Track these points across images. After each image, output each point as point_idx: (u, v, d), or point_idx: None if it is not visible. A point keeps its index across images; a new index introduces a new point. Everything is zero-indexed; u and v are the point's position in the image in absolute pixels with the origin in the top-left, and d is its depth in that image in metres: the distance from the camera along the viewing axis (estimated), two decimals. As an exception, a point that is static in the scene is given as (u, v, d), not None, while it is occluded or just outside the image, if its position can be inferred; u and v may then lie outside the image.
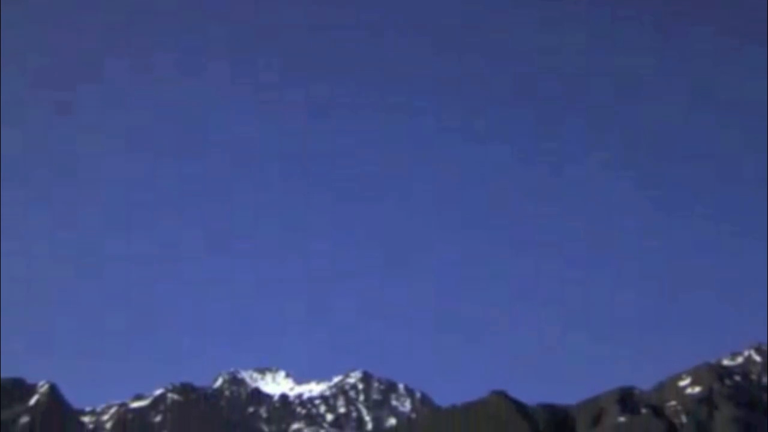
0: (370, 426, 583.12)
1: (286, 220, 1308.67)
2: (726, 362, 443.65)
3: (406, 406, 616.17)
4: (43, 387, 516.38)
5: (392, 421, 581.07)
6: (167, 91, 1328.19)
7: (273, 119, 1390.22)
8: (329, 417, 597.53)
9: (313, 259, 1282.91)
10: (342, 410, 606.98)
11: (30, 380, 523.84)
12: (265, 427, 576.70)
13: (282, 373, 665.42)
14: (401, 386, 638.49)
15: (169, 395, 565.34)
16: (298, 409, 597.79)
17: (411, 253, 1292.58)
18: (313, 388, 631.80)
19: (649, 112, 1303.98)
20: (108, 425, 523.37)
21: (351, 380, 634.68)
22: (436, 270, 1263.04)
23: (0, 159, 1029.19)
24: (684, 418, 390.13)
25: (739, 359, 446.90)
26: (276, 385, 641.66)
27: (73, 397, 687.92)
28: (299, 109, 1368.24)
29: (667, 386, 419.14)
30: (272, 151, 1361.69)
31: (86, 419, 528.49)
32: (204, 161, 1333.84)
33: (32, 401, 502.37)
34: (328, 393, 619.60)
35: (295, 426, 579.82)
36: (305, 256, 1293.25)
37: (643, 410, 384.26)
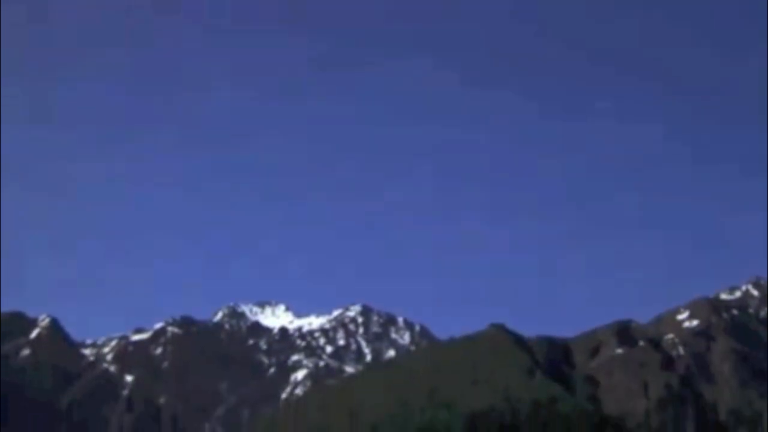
0: (369, 358, 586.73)
1: (287, 161, 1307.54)
2: (724, 296, 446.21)
3: (405, 338, 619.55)
4: (44, 321, 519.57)
5: (391, 353, 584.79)
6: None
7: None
8: (329, 349, 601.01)
9: (314, 194, 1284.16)
10: (341, 342, 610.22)
11: (31, 314, 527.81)
12: (264, 359, 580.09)
13: (282, 307, 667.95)
14: (400, 319, 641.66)
15: (170, 328, 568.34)
16: (298, 341, 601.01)
17: (410, 186, 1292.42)
18: (313, 322, 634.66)
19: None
20: (109, 357, 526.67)
21: (351, 314, 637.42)
22: (434, 203, 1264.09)
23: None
24: (681, 351, 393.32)
25: (737, 293, 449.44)
26: (276, 318, 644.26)
27: (73, 330, 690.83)
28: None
29: (665, 320, 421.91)
30: (272, 89, 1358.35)
31: (87, 352, 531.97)
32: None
33: (33, 334, 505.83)
34: (327, 326, 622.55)
35: (295, 357, 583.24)
36: (305, 193, 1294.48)
37: (641, 343, 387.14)
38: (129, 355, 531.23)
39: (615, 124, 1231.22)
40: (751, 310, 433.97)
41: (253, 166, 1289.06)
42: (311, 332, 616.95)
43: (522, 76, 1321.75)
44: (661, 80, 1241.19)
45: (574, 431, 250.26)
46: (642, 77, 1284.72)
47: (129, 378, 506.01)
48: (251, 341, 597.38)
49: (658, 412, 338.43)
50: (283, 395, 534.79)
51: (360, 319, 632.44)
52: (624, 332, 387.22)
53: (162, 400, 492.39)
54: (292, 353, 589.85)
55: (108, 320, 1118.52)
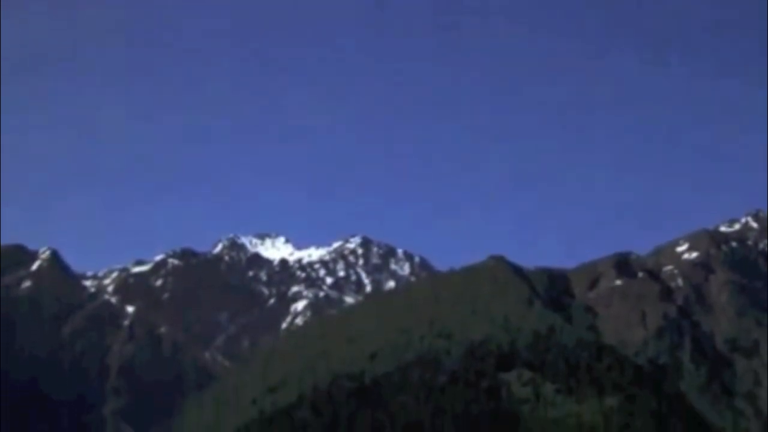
0: (369, 289, 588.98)
1: (288, 92, 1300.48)
2: (723, 228, 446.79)
3: (405, 269, 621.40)
4: (44, 253, 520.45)
5: (391, 284, 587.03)
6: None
7: None
8: (329, 280, 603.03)
9: (314, 127, 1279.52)
10: (341, 274, 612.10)
11: (31, 246, 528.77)
12: (265, 290, 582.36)
13: (281, 239, 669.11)
14: (400, 251, 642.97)
15: (170, 260, 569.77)
16: (298, 272, 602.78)
17: (410, 119, 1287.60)
18: (313, 253, 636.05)
19: None
20: (110, 289, 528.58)
21: (350, 245, 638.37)
22: (434, 135, 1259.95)
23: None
24: (680, 282, 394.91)
25: (737, 226, 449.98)
26: (276, 250, 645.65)
27: (74, 262, 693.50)
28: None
29: (664, 251, 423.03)
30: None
31: (88, 283, 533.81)
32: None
33: (34, 267, 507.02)
34: (327, 258, 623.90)
35: (295, 289, 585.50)
36: (305, 125, 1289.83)
37: (640, 274, 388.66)
38: (130, 286, 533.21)
39: (617, 50, 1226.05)
40: (750, 243, 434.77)
41: (253, 99, 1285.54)
42: (311, 264, 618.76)
43: None
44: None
45: (572, 361, 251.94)
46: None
47: (130, 309, 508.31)
48: (251, 272, 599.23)
49: (656, 341, 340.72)
50: (284, 325, 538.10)
51: (360, 251, 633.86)
52: (623, 264, 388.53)
53: (163, 330, 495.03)
54: (292, 284, 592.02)
55: (108, 253, 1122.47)
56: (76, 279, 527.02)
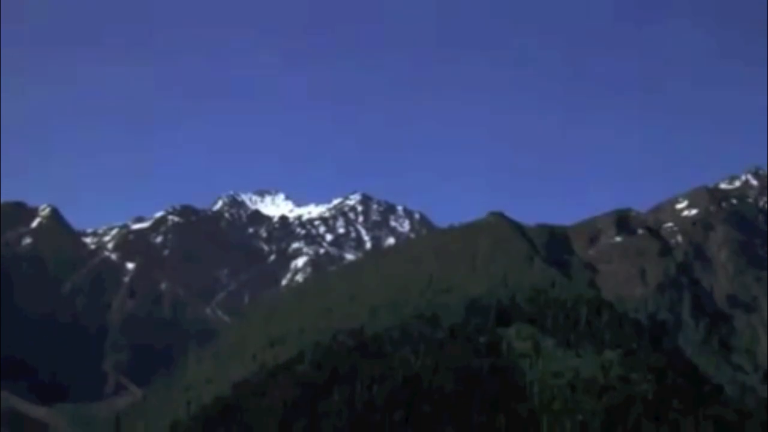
0: (368, 246, 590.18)
1: (286, 40, 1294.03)
2: (723, 186, 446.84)
3: (405, 226, 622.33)
4: (44, 210, 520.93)
5: (391, 240, 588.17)
6: None
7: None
8: (328, 237, 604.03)
9: (313, 79, 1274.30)
10: (341, 231, 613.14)
11: (31, 203, 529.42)
12: (264, 247, 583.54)
13: (281, 196, 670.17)
14: (400, 208, 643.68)
15: (170, 217, 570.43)
16: (298, 229, 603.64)
17: (410, 70, 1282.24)
18: (312, 210, 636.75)
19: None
20: (110, 246, 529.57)
21: (350, 202, 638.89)
22: (435, 88, 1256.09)
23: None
24: (679, 239, 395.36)
25: (737, 183, 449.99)
26: (275, 207, 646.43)
27: (74, 219, 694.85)
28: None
29: (664, 208, 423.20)
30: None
31: (88, 240, 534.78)
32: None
33: (34, 224, 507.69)
34: (327, 215, 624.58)
35: (295, 245, 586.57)
36: (304, 76, 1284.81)
37: (639, 231, 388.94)
38: (130, 243, 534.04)
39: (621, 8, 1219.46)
40: (749, 200, 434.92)
41: (253, 49, 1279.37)
42: (311, 220, 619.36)
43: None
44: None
45: (572, 316, 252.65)
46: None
47: (130, 266, 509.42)
48: (251, 229, 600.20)
49: (656, 298, 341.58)
50: (284, 282, 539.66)
51: (359, 208, 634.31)
52: (623, 220, 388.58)
53: (163, 286, 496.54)
54: (292, 241, 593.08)
55: (108, 209, 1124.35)
56: (76, 236, 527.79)
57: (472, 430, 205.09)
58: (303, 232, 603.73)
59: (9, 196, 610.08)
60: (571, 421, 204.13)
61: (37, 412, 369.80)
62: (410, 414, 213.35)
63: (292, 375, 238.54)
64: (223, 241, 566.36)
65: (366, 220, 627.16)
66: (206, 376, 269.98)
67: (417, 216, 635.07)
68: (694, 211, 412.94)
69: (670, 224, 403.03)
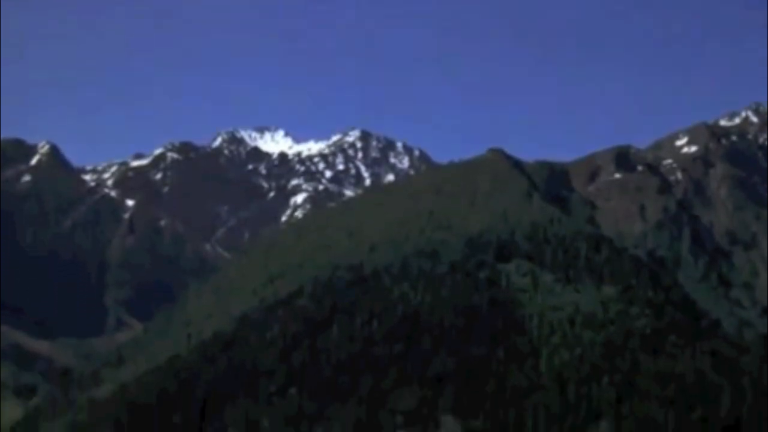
0: (368, 182, 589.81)
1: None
2: (723, 122, 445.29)
3: (404, 163, 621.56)
4: (43, 147, 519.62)
5: (390, 177, 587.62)
6: None
7: None
8: (328, 174, 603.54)
9: (313, 15, 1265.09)
10: (341, 167, 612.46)
11: (30, 140, 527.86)
12: (264, 183, 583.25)
13: (281, 132, 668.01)
14: (399, 144, 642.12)
15: (169, 154, 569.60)
16: (297, 166, 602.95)
17: (411, 7, 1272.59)
18: (312, 147, 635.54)
19: None
20: (109, 183, 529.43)
21: (350, 138, 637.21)
22: (435, 25, 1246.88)
23: None
24: (679, 176, 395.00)
25: (737, 119, 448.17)
26: (275, 143, 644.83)
27: (73, 156, 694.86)
28: None
29: (664, 145, 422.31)
30: None
31: (87, 177, 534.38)
32: None
33: (33, 161, 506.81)
34: (326, 151, 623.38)
35: (294, 182, 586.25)
36: (304, 17, 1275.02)
37: (639, 168, 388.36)
38: (129, 180, 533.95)
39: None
40: (749, 137, 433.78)
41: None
42: (310, 157, 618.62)
43: None
44: None
45: (571, 252, 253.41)
46: None
47: (130, 202, 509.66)
48: (251, 166, 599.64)
49: (655, 234, 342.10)
50: (283, 218, 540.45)
51: (359, 144, 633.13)
52: (623, 157, 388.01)
53: (163, 223, 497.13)
54: (292, 178, 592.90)
55: (107, 146, 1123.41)
56: (75, 173, 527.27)
57: (471, 363, 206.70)
58: (302, 168, 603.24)
59: (8, 133, 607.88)
60: (570, 354, 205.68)
61: (40, 346, 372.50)
62: (410, 348, 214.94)
63: (292, 310, 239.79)
64: (223, 178, 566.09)
65: (365, 156, 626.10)
66: (206, 311, 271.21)
67: (416, 152, 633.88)
68: (693, 148, 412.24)
69: (669, 161, 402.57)
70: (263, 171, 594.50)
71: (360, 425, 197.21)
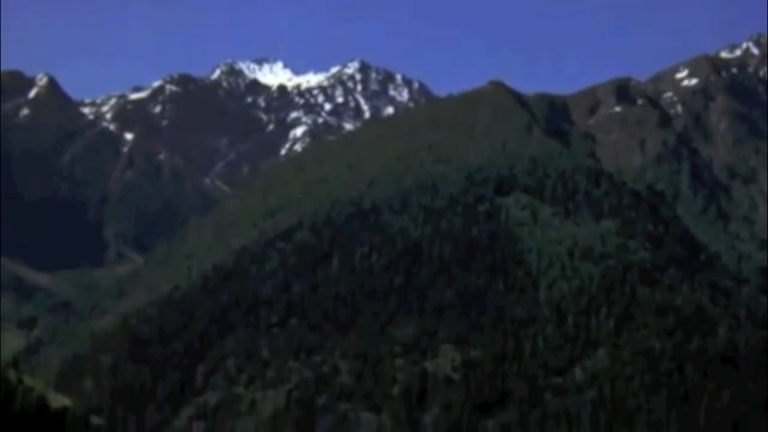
0: (367, 115, 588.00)
1: None
2: (724, 54, 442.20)
3: (404, 95, 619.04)
4: (42, 80, 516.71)
5: (389, 110, 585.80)
6: None
7: None
8: (327, 107, 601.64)
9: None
10: (340, 100, 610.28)
11: (28, 72, 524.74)
12: (263, 116, 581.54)
13: (279, 64, 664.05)
14: (399, 76, 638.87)
15: (168, 86, 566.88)
16: (296, 98, 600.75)
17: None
18: (311, 79, 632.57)
19: None
20: (108, 116, 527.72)
21: (349, 71, 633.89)
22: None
23: None
24: (679, 109, 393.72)
25: (737, 52, 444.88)
26: (274, 76, 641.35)
27: (72, 89, 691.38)
28: None
29: (664, 77, 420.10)
30: None
31: (86, 110, 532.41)
32: None
33: (32, 94, 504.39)
34: (326, 83, 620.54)
35: (294, 115, 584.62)
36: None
37: (639, 101, 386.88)
38: (128, 113, 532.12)
39: None
40: (750, 69, 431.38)
41: None
42: (309, 90, 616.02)
43: None
44: None
45: (570, 185, 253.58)
46: None
47: (129, 136, 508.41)
48: (249, 99, 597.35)
49: (655, 168, 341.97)
50: (283, 151, 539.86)
51: (358, 76, 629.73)
52: (623, 90, 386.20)
53: (162, 157, 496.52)
54: (291, 110, 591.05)
55: (105, 78, 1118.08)
56: (74, 106, 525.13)
57: (470, 295, 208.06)
58: (301, 101, 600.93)
59: (6, 65, 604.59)
60: (569, 286, 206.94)
61: (40, 279, 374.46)
62: (409, 280, 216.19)
63: (292, 243, 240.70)
64: (222, 111, 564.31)
65: (365, 89, 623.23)
66: (206, 245, 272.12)
67: (416, 85, 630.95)
68: (694, 81, 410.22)
69: (669, 94, 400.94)
70: (262, 104, 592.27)
71: (360, 356, 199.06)
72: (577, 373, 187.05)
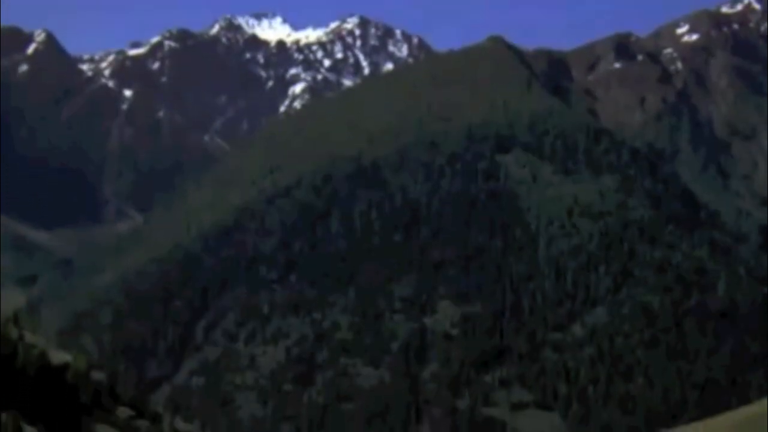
0: (366, 71, 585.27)
1: None
2: (725, 10, 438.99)
3: (403, 51, 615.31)
4: (40, 36, 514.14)
5: (389, 66, 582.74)
6: None
7: None
8: (326, 63, 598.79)
9: None
10: (339, 56, 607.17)
11: (26, 28, 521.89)
12: (262, 73, 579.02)
13: (278, 19, 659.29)
14: (398, 31, 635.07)
15: (166, 42, 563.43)
16: (296, 55, 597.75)
17: None
18: (310, 35, 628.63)
19: None
20: (106, 73, 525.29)
21: (348, 26, 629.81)
22: None
23: None
24: (679, 65, 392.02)
25: (738, 6, 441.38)
26: (273, 31, 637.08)
27: (70, 45, 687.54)
28: None
29: (664, 33, 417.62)
30: None
31: (85, 67, 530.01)
32: None
33: (30, 50, 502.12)
34: (325, 39, 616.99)
35: (293, 71, 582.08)
36: None
37: (639, 57, 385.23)
38: (127, 69, 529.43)
39: None
40: (751, 25, 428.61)
41: None
42: (308, 45, 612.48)
43: None
44: None
45: (570, 143, 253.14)
46: None
47: (128, 93, 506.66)
48: (248, 55, 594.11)
49: (655, 125, 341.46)
50: (282, 108, 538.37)
51: (357, 32, 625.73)
52: (622, 46, 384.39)
53: (161, 114, 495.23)
54: (290, 66, 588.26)
55: (104, 34, 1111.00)
56: (72, 62, 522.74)
57: (469, 252, 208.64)
58: (300, 57, 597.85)
59: (5, 20, 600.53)
60: (568, 243, 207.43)
61: (40, 236, 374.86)
62: (408, 237, 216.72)
63: (291, 200, 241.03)
64: (221, 67, 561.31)
65: (364, 44, 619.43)
66: (206, 202, 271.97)
67: (415, 40, 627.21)
68: (694, 36, 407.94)
69: (669, 50, 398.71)
70: (261, 60, 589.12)
71: (359, 312, 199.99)
72: (576, 329, 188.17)
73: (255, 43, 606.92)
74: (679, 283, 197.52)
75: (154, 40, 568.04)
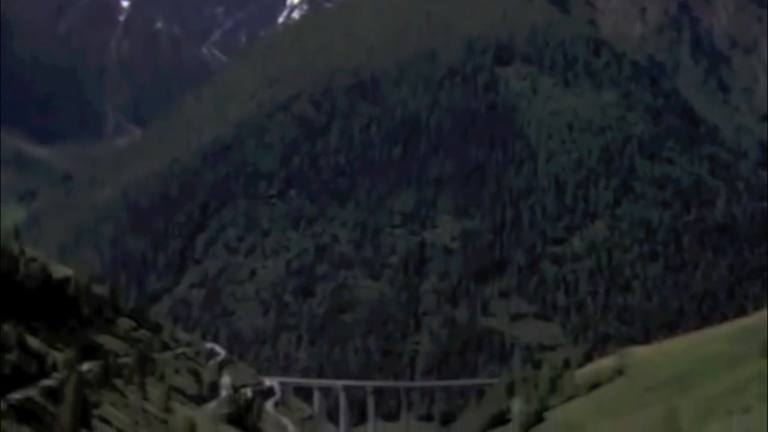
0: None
1: None
2: None
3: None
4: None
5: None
6: None
7: None
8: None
9: None
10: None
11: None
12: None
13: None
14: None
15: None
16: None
17: None
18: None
19: None
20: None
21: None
22: None
23: None
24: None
25: None
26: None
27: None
28: None
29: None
30: None
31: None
32: None
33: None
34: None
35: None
36: None
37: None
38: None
39: None
40: None
41: None
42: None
43: None
44: None
45: (570, 55, 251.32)
46: None
47: (125, 3, 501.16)
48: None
49: (655, 38, 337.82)
50: (280, 19, 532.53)
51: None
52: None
53: (159, 25, 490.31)
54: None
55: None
56: None
57: (469, 166, 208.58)
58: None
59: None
60: (568, 158, 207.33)
61: (40, 152, 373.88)
62: (408, 151, 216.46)
63: (290, 114, 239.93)
64: None
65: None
66: (205, 117, 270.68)
67: None
68: None
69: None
70: None
71: (359, 225, 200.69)
72: (575, 242, 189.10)
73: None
74: (678, 197, 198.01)
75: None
